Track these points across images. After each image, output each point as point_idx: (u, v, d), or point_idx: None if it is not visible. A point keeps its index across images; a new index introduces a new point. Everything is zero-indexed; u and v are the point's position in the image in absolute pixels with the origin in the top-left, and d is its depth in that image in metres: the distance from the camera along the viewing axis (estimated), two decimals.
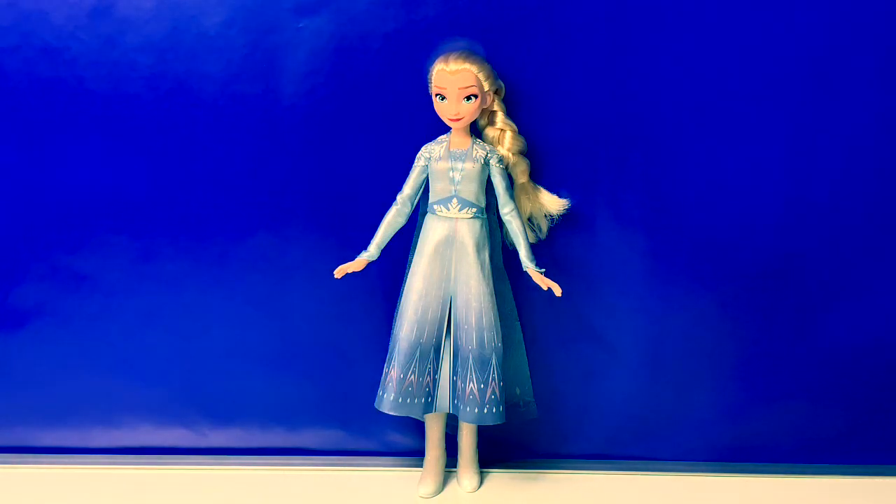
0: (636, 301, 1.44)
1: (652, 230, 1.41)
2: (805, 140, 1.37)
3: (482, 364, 1.32)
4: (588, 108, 1.36)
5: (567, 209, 1.37)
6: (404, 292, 1.35)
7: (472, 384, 1.32)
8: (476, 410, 1.32)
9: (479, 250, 1.32)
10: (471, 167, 1.30)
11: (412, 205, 1.34)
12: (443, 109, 1.29)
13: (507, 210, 1.33)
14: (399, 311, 1.35)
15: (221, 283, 1.44)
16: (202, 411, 1.50)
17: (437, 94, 1.28)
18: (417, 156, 1.33)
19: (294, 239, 1.42)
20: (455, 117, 1.28)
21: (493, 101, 1.32)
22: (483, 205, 1.33)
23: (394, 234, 1.34)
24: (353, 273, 1.32)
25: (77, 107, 1.37)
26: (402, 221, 1.34)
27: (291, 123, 1.38)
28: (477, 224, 1.32)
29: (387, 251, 1.34)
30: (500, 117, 1.33)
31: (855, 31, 1.33)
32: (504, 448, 1.49)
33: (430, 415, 1.37)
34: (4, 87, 1.37)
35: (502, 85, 1.33)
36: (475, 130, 1.34)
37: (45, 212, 1.42)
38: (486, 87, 1.28)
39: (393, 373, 1.33)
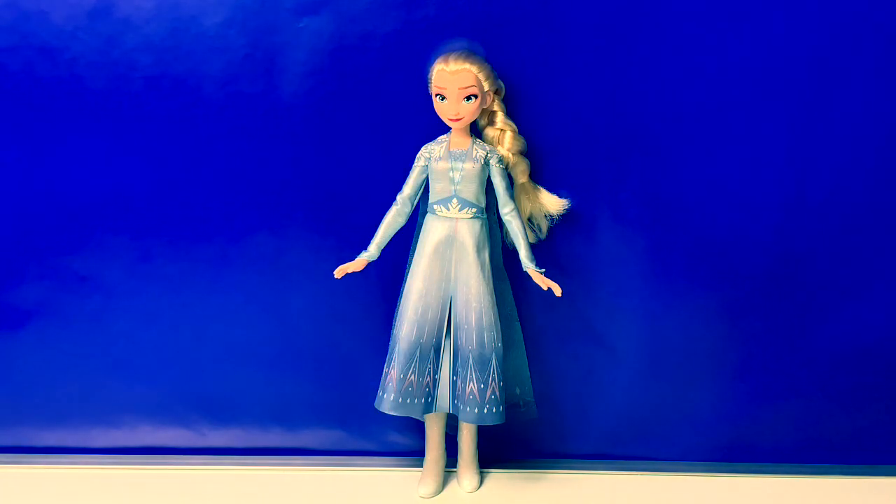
0: (636, 301, 1.44)
1: (652, 230, 1.41)
2: (805, 140, 1.37)
3: (482, 364, 1.32)
4: (588, 109, 1.36)
5: (567, 209, 1.37)
6: (404, 292, 1.35)
7: (472, 384, 1.32)
8: (476, 410, 1.32)
9: (479, 250, 1.32)
10: (471, 167, 1.30)
11: (412, 205, 1.34)
12: (443, 109, 1.29)
13: (507, 210, 1.33)
14: (399, 311, 1.35)
15: (221, 283, 1.44)
16: (202, 411, 1.50)
17: (437, 94, 1.28)
18: (417, 156, 1.33)
19: (294, 239, 1.42)
20: (455, 117, 1.28)
21: (493, 101, 1.32)
22: (483, 205, 1.33)
23: (394, 234, 1.34)
24: (353, 273, 1.32)
25: (77, 107, 1.37)
26: (402, 221, 1.34)
27: (291, 123, 1.38)
28: (477, 224, 1.32)
29: (387, 251, 1.34)
30: (500, 117, 1.33)
31: (855, 31, 1.33)
32: (504, 448, 1.49)
33: (430, 415, 1.37)
34: (4, 87, 1.37)
35: (502, 85, 1.33)
36: (475, 130, 1.35)
37: (46, 212, 1.42)
38: (486, 87, 1.28)
39: (393, 373, 1.33)
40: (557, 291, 1.31)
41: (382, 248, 1.34)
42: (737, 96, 1.36)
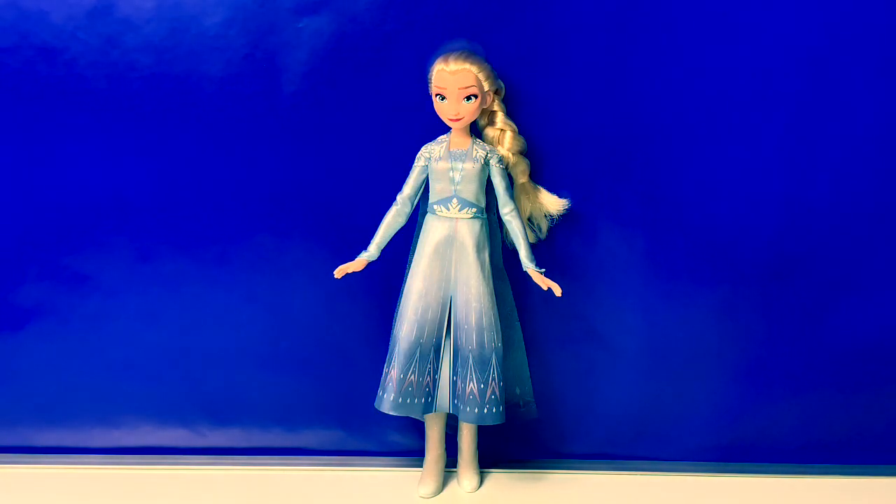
0: (636, 301, 1.44)
1: (652, 230, 1.41)
2: (805, 140, 1.37)
3: (482, 364, 1.32)
4: (588, 108, 1.36)
5: (567, 209, 1.37)
6: (404, 292, 1.35)
7: (472, 384, 1.32)
8: (476, 410, 1.32)
9: (479, 250, 1.32)
10: (471, 167, 1.30)
11: (412, 205, 1.34)
12: (443, 109, 1.29)
13: (507, 210, 1.33)
14: (399, 312, 1.35)
15: (221, 283, 1.44)
16: (202, 411, 1.50)
17: (437, 94, 1.28)
18: (417, 156, 1.33)
19: (294, 239, 1.42)
20: (455, 117, 1.28)
21: (493, 101, 1.32)
22: (483, 205, 1.33)
23: (394, 234, 1.34)
24: (353, 273, 1.32)
25: (77, 107, 1.37)
26: (402, 221, 1.34)
27: (291, 123, 1.38)
28: (477, 224, 1.32)
29: (387, 251, 1.34)
30: (500, 117, 1.33)
31: (855, 31, 1.33)
32: (504, 448, 1.49)
33: (430, 415, 1.37)
34: (4, 87, 1.37)
35: (502, 85, 1.33)
36: (475, 130, 1.35)
37: (45, 212, 1.42)
38: (486, 87, 1.28)
39: (393, 373, 1.33)
40: (557, 291, 1.31)
41: (382, 248, 1.34)
42: (737, 95, 1.35)
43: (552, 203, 1.37)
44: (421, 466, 1.44)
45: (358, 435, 1.51)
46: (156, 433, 1.51)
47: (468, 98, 1.27)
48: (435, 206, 1.32)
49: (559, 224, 1.40)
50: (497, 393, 1.32)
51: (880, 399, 1.48)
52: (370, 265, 1.33)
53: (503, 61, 1.33)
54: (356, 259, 1.33)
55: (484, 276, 1.32)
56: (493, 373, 1.32)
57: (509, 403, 1.42)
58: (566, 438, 1.51)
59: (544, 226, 1.39)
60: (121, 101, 1.37)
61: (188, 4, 1.34)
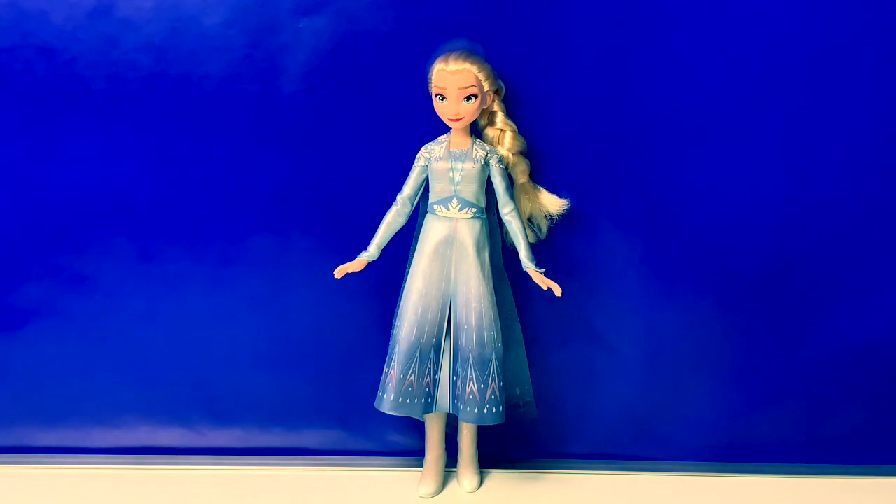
0: (636, 301, 1.44)
1: (652, 230, 1.41)
2: (804, 142, 1.37)
3: (482, 364, 1.32)
4: (588, 109, 1.36)
5: (567, 209, 1.37)
6: (404, 292, 1.35)
7: (472, 384, 1.32)
8: (476, 410, 1.32)
9: (479, 250, 1.32)
10: (471, 167, 1.30)
11: (412, 205, 1.34)
12: (443, 109, 1.29)
13: (507, 210, 1.33)
14: (399, 312, 1.35)
15: (221, 283, 1.44)
16: (202, 411, 1.50)
17: (437, 94, 1.28)
18: (417, 156, 1.33)
19: (294, 239, 1.42)
20: (455, 117, 1.28)
21: (493, 101, 1.32)
22: (483, 205, 1.33)
23: (394, 234, 1.34)
24: (353, 273, 1.32)
25: (77, 107, 1.37)
26: (402, 221, 1.34)
27: (291, 123, 1.38)
28: (477, 224, 1.32)
29: (387, 251, 1.34)
30: (500, 117, 1.33)
31: (855, 31, 1.33)
32: (504, 448, 1.49)
33: (430, 415, 1.37)
34: (4, 87, 1.37)
35: (502, 85, 1.33)
36: (475, 130, 1.35)
37: (46, 212, 1.42)
38: (486, 87, 1.28)
39: (393, 373, 1.33)
40: (557, 291, 1.31)
41: (382, 248, 1.34)
42: (736, 97, 1.35)
43: (552, 203, 1.37)
44: (421, 466, 1.44)
45: (358, 435, 1.51)
46: (156, 433, 1.51)
47: (468, 98, 1.27)
48: (435, 206, 1.32)
49: (559, 224, 1.40)
50: (497, 393, 1.32)
51: (880, 399, 1.48)
52: (370, 265, 1.33)
53: (503, 61, 1.33)
54: (356, 259, 1.33)
55: (484, 276, 1.32)
56: (493, 373, 1.32)
57: (509, 403, 1.42)
58: (566, 438, 1.51)
59: (544, 226, 1.39)
60: (121, 101, 1.37)
61: (188, 4, 1.34)
